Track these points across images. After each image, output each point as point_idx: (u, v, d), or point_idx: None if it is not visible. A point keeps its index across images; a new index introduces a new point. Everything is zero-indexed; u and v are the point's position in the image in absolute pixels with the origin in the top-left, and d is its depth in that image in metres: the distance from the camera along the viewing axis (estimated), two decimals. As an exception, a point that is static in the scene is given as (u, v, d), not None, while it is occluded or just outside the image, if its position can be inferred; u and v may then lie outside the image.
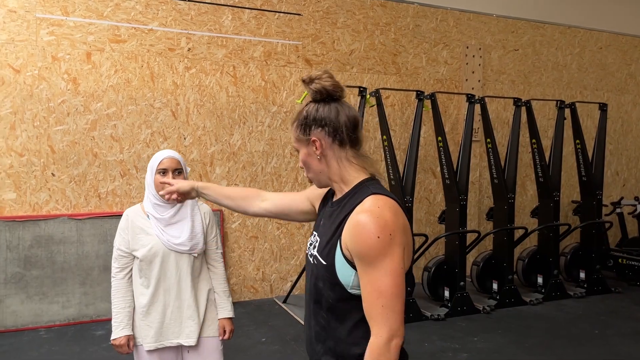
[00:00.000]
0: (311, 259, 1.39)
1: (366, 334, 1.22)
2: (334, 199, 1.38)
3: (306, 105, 1.37)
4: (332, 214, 1.35)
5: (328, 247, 1.29)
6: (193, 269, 2.10)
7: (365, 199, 1.25)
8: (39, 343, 3.86)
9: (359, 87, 4.45)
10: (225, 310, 2.20)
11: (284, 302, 4.92)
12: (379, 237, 1.17)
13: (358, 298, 1.23)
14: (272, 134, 5.12)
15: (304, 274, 4.85)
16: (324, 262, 1.29)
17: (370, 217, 1.19)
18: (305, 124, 1.34)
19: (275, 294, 5.19)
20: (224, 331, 2.20)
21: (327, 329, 1.31)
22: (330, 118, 1.30)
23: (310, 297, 1.39)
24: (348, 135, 1.31)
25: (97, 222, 4.40)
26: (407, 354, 1.30)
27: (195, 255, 2.11)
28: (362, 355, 1.22)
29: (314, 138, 1.32)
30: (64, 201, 4.34)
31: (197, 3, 4.72)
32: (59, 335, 4.02)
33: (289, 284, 5.23)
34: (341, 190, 1.35)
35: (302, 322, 4.33)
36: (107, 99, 4.44)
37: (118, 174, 4.52)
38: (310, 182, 1.43)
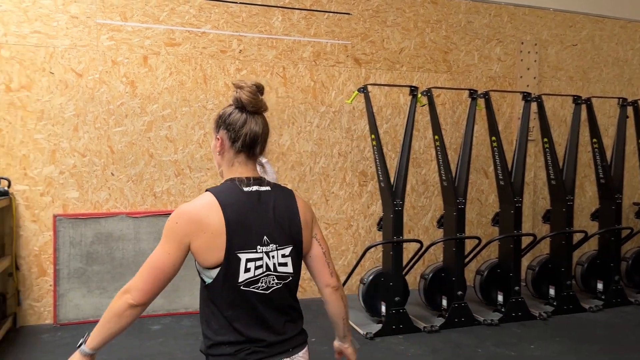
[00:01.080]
0: None
1: (206, 316, 1.47)
2: None
3: (229, 105, 1.51)
4: None
5: None
6: None
7: None
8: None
9: (410, 87, 4.38)
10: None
11: (333, 302, 4.91)
12: (169, 221, 1.42)
13: (204, 285, 1.47)
14: (321, 134, 5.13)
15: (353, 274, 4.83)
16: None
17: (183, 204, 1.45)
18: (217, 122, 1.52)
19: (313, 294, 5.19)
20: None
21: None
22: (236, 127, 1.47)
23: None
24: (242, 145, 1.48)
25: (152, 220, 4.55)
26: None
27: None
28: (206, 335, 1.46)
29: (218, 136, 1.51)
30: (122, 200, 4.50)
31: (248, 5, 4.79)
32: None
33: (337, 284, 5.22)
34: None
35: (351, 322, 4.32)
36: (162, 100, 4.58)
37: (172, 173, 4.65)
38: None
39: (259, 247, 1.42)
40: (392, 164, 4.92)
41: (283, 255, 1.47)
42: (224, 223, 1.38)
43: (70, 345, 3.81)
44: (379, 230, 4.39)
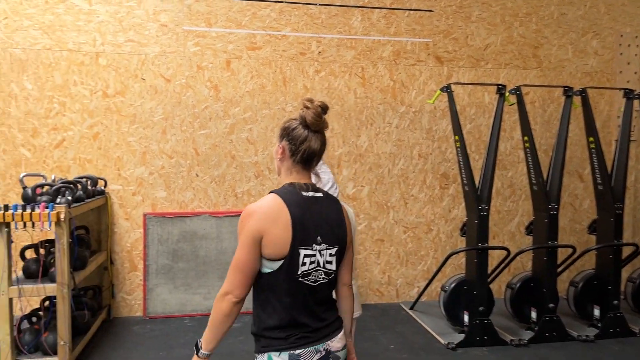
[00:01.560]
0: None
1: (260, 304, 1.62)
2: None
3: (295, 119, 1.65)
4: None
5: None
6: None
7: None
8: (184, 330, 4.20)
9: (498, 85, 4.15)
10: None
11: (411, 308, 4.78)
12: (241, 220, 1.58)
13: (260, 274, 1.60)
14: (400, 135, 5.00)
15: (433, 280, 4.66)
16: None
17: (250, 205, 1.61)
18: (283, 133, 1.66)
19: (401, 299, 5.07)
20: None
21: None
22: (297, 141, 1.62)
23: None
24: (300, 159, 1.63)
25: (233, 220, 4.66)
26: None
27: None
28: (258, 320, 1.62)
29: (281, 145, 1.66)
30: (205, 200, 4.66)
31: (327, 6, 4.78)
32: (201, 324, 4.33)
33: (416, 290, 5.08)
34: None
35: (432, 331, 4.16)
36: (243, 104, 4.69)
37: (253, 175, 4.74)
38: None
39: (314, 245, 1.60)
40: (476, 166, 4.70)
41: (330, 255, 1.64)
42: (290, 221, 1.55)
43: (158, 337, 4.00)
44: (462, 235, 4.20)
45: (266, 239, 1.54)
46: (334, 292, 1.76)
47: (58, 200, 3.25)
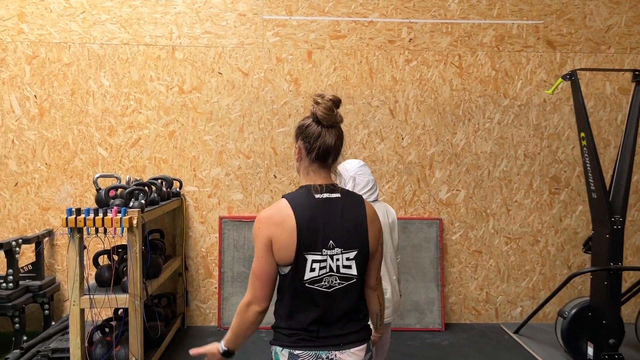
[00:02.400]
0: None
1: (279, 299, 1.62)
2: None
3: (308, 117, 1.60)
4: None
5: None
6: None
7: None
8: (261, 345, 3.85)
9: (634, 71, 3.42)
10: None
11: (516, 332, 4.13)
12: (254, 226, 1.59)
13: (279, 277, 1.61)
14: (503, 132, 4.36)
15: (549, 302, 3.97)
16: None
17: (264, 210, 1.61)
18: (297, 133, 1.63)
19: (501, 319, 4.44)
20: None
21: None
22: (311, 139, 1.58)
23: None
24: (316, 156, 1.58)
25: (313, 226, 4.26)
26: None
27: None
28: (278, 314, 1.63)
29: (297, 145, 1.63)
30: (283, 203, 4.30)
31: (420, -13, 4.25)
32: (278, 338, 3.97)
33: (519, 310, 4.42)
34: None
35: (546, 364, 3.53)
36: (326, 98, 4.26)
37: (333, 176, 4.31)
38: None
39: (324, 250, 1.55)
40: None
41: (347, 259, 1.59)
42: (295, 227, 1.52)
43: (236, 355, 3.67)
44: (585, 252, 3.53)
45: (274, 245, 1.54)
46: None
47: (131, 203, 2.99)
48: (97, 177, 3.15)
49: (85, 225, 2.79)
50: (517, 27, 4.31)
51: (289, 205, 1.55)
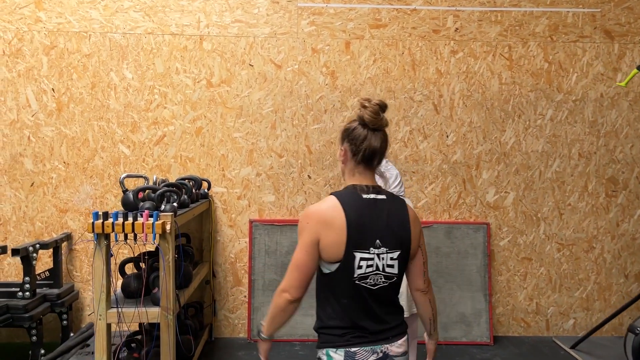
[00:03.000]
0: None
1: (322, 300, 1.63)
2: None
3: (355, 120, 1.67)
4: None
5: None
6: None
7: None
8: (295, 359, 3.55)
9: None
10: None
11: (573, 347, 3.79)
12: (301, 221, 1.60)
13: (321, 274, 1.63)
14: (555, 130, 4.03)
15: (618, 316, 3.63)
16: None
17: (311, 205, 1.65)
18: (343, 135, 1.69)
19: (552, 332, 4.10)
20: None
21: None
22: (357, 141, 1.63)
23: None
24: (362, 159, 1.63)
25: (350, 231, 3.95)
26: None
27: None
28: (320, 317, 1.65)
29: (343, 147, 1.69)
30: (318, 206, 3.98)
31: (467, -28, 3.92)
32: (313, 351, 3.66)
33: (572, 322, 4.08)
34: None
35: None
36: (364, 92, 3.95)
37: (373, 177, 3.99)
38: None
39: (371, 248, 1.59)
40: (666, 169, 3.64)
41: (391, 258, 1.62)
42: (345, 224, 1.55)
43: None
44: (661, 261, 3.18)
45: (323, 242, 1.57)
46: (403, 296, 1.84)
47: (162, 206, 2.68)
48: (124, 177, 2.84)
49: (113, 230, 2.49)
50: (573, 16, 3.97)
51: (338, 203, 1.59)
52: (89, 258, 3.88)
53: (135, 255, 3.02)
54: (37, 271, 3.58)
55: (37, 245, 3.36)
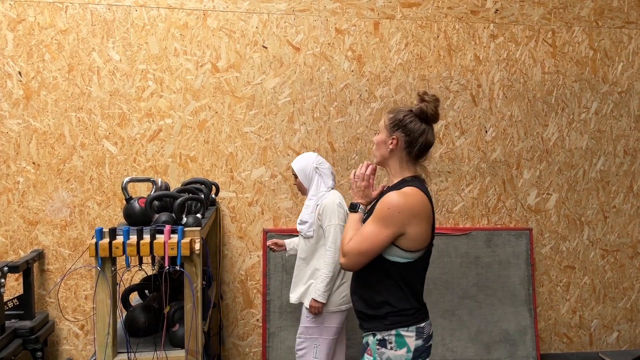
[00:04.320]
0: None
1: (390, 285, 1.68)
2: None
3: (407, 110, 1.72)
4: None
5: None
6: (304, 248, 2.63)
7: (402, 187, 1.67)
8: None
9: None
10: (314, 291, 2.51)
11: (631, 364, 3.43)
12: (388, 209, 1.61)
13: (390, 263, 1.67)
14: (600, 124, 3.66)
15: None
16: None
17: (396, 194, 1.63)
18: (397, 124, 1.72)
19: (596, 347, 3.73)
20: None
21: (363, 279, 1.74)
22: (415, 134, 1.70)
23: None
24: (417, 151, 1.72)
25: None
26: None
27: (304, 236, 2.62)
28: (388, 302, 1.68)
29: (395, 136, 1.72)
30: (342, 212, 3.43)
31: (509, -53, 3.48)
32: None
33: (615, 335, 3.73)
34: (389, 181, 1.79)
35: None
36: (395, 81, 3.44)
37: (405, 178, 3.48)
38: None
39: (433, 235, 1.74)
40: None
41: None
42: (431, 216, 1.68)
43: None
44: None
45: (410, 233, 1.62)
46: None
47: (184, 219, 2.06)
48: (128, 182, 2.19)
49: (124, 253, 1.85)
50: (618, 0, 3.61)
51: (423, 194, 1.66)
52: (67, 281, 3.17)
53: (144, 281, 2.37)
54: (4, 299, 2.85)
55: (5, 268, 2.64)
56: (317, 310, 2.52)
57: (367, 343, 1.72)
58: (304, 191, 2.71)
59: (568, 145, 3.64)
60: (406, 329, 1.67)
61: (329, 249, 2.49)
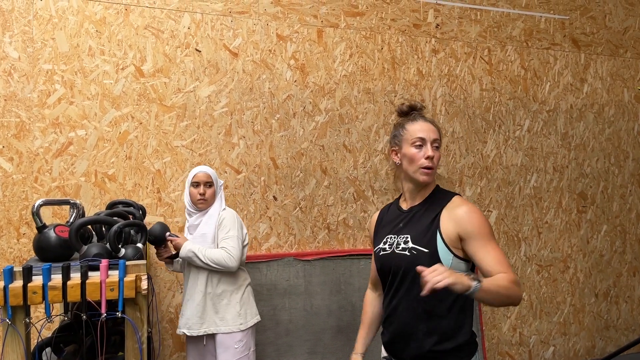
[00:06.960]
0: (405, 252, 1.53)
1: (461, 309, 1.51)
2: (408, 206, 1.64)
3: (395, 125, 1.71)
4: (417, 214, 1.58)
5: (427, 238, 1.51)
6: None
7: (453, 199, 1.57)
8: None
9: None
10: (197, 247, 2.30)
11: (573, 379, 3.45)
12: (482, 219, 1.51)
13: None
14: (532, 142, 3.75)
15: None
16: (426, 250, 1.50)
17: (471, 207, 1.52)
18: (390, 140, 1.70)
19: (535, 362, 3.74)
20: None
21: (428, 310, 1.50)
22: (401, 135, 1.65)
23: (399, 286, 1.56)
24: None
25: (326, 265, 3.14)
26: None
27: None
28: (462, 327, 1.51)
29: (394, 149, 1.67)
30: (286, 234, 3.11)
31: (448, -37, 3.47)
32: None
33: (551, 350, 3.77)
34: (422, 195, 1.62)
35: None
36: (340, 93, 3.22)
37: (351, 196, 3.26)
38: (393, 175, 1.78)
39: None
40: (615, 182, 3.57)
41: None
42: None
43: None
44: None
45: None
46: None
47: (122, 250, 1.62)
48: (40, 205, 1.69)
49: (44, 299, 1.37)
50: (545, 21, 3.76)
51: None
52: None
53: (50, 334, 1.84)
54: None
55: None
56: (175, 243, 2.33)
57: None
58: (208, 204, 2.35)
59: (505, 162, 3.67)
60: (475, 356, 1.56)
61: (232, 248, 2.27)
